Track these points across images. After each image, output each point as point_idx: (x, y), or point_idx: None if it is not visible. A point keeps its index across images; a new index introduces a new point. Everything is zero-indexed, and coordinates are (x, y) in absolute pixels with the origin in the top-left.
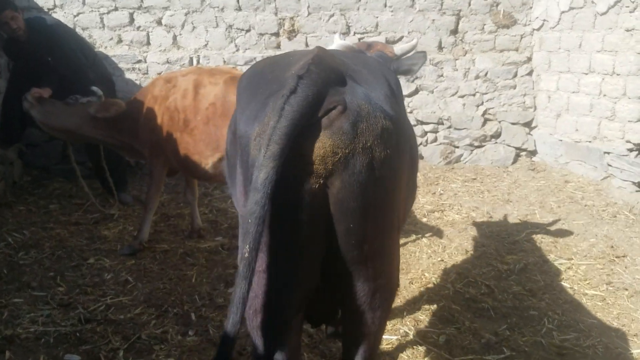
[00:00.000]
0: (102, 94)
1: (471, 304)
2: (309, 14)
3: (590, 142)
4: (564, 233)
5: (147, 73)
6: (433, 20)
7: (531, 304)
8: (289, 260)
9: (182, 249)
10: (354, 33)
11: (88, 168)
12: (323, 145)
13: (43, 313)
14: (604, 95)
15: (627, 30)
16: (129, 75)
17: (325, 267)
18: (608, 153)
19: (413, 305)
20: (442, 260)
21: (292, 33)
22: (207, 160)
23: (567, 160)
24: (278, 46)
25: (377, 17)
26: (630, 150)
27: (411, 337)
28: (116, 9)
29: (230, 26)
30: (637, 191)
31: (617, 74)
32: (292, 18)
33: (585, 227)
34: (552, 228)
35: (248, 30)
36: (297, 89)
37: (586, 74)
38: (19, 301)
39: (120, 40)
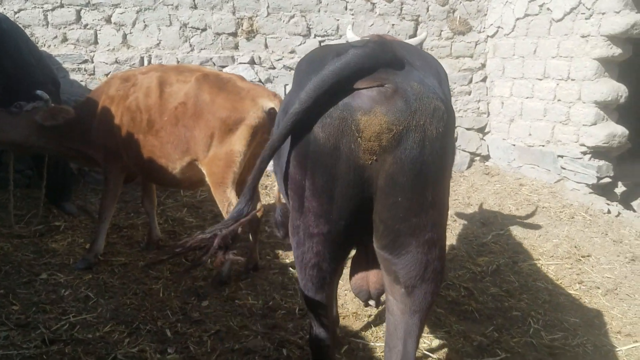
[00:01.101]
0: (49, 99)
1: (454, 307)
2: (269, 14)
3: (543, 146)
4: (527, 234)
5: (93, 74)
6: (393, 24)
7: (512, 304)
8: (337, 224)
9: (142, 261)
10: (314, 35)
11: (27, 177)
12: (379, 122)
13: (0, 335)
14: (559, 100)
15: (583, 37)
16: (74, 76)
17: (369, 238)
18: (562, 156)
19: None
20: None
21: (250, 33)
22: (175, 165)
23: (520, 164)
24: (236, 46)
25: (338, 20)
26: (584, 153)
27: None
28: (62, 5)
29: (185, 25)
30: (590, 193)
31: (572, 79)
32: (250, 18)
33: (546, 228)
34: (515, 230)
35: (204, 30)
36: (344, 55)
37: (540, 79)
38: None
39: (65, 39)
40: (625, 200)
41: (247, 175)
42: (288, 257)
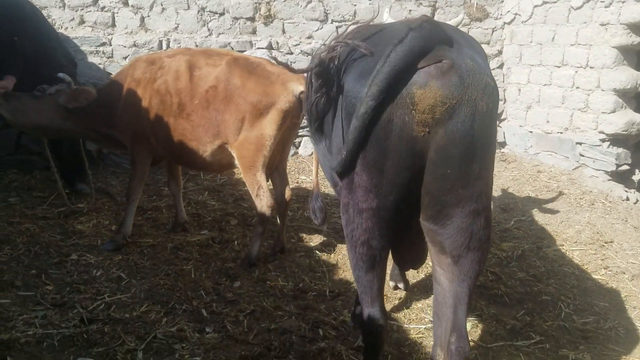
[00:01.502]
0: (71, 81)
1: (484, 291)
2: None
3: (561, 133)
4: (548, 221)
5: (112, 57)
6: (410, 10)
7: (540, 289)
8: (386, 198)
9: (170, 243)
10: (332, 21)
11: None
12: (434, 95)
13: (37, 314)
14: (577, 87)
15: (602, 25)
16: (92, 59)
17: (418, 210)
18: (580, 144)
19: (427, 294)
20: None
21: (268, 18)
22: (206, 147)
23: (537, 151)
24: (254, 31)
25: (355, 6)
26: (603, 140)
27: None
28: None
29: (203, 9)
30: (609, 180)
31: (591, 67)
32: (268, 2)
33: (567, 214)
34: (537, 216)
35: (222, 14)
36: (405, 39)
37: (559, 67)
38: (5, 302)
39: (82, 21)
40: None
41: (276, 158)
42: (312, 240)
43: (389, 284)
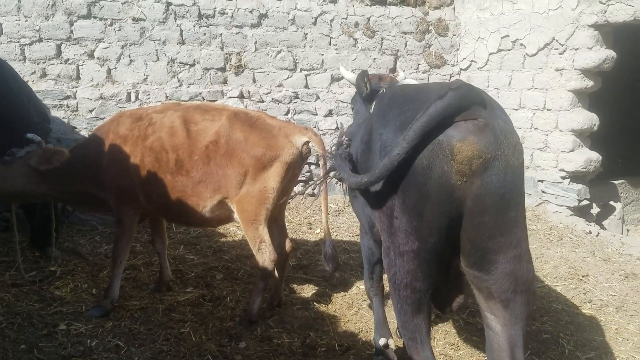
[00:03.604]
0: (42, 141)
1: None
2: (256, 49)
3: None
4: None
5: (76, 110)
6: (374, 59)
7: (538, 327)
8: (427, 240)
9: (160, 304)
10: (301, 69)
11: (5, 220)
12: (472, 148)
13: None
14: (536, 128)
15: (557, 70)
16: (55, 113)
17: (457, 253)
18: (542, 181)
19: (435, 337)
20: None
21: (239, 68)
22: (206, 203)
23: None
24: (225, 81)
25: (323, 55)
26: (564, 177)
27: None
28: (40, 40)
29: (173, 60)
30: (571, 214)
31: (549, 109)
32: (239, 53)
33: (540, 250)
34: None
35: (192, 65)
36: (445, 96)
37: (517, 109)
38: None
39: (44, 74)
40: (599, 221)
41: (275, 211)
42: (304, 291)
43: (380, 341)
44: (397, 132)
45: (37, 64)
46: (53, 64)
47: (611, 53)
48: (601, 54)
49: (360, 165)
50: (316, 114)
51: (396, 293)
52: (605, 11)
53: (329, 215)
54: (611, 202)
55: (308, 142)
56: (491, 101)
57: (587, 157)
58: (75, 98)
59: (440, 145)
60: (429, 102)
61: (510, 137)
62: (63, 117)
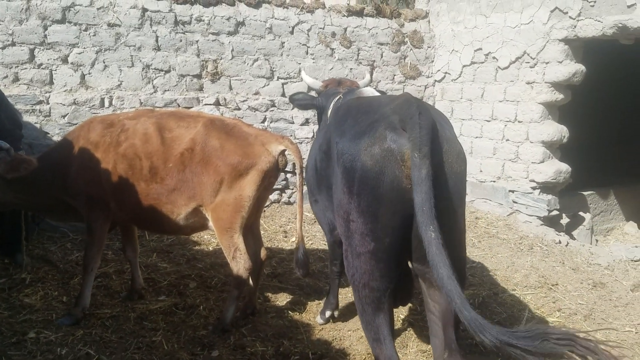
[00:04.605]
0: (10, 148)
1: (459, 342)
2: (233, 57)
3: (494, 181)
4: (496, 266)
5: (49, 115)
6: (351, 69)
7: None
8: (382, 241)
9: (132, 312)
10: (278, 78)
11: None
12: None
13: None
14: (507, 140)
15: (528, 83)
16: (27, 118)
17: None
18: (512, 191)
19: (408, 344)
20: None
21: (215, 75)
22: (180, 210)
23: (472, 198)
24: (200, 88)
25: (300, 64)
26: (534, 188)
27: None
28: (13, 44)
29: (148, 66)
30: (542, 224)
31: (520, 121)
32: (215, 60)
33: (511, 259)
34: (485, 262)
35: (168, 71)
36: (420, 112)
37: (489, 121)
38: None
39: (17, 79)
40: (568, 231)
41: (250, 219)
42: (278, 299)
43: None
44: (352, 141)
45: (10, 68)
46: (26, 68)
47: (581, 67)
48: (571, 68)
49: (319, 173)
50: (293, 122)
51: (356, 293)
52: (575, 26)
53: (304, 223)
54: (580, 213)
55: (284, 150)
56: (435, 112)
57: (557, 169)
58: (48, 103)
59: (392, 153)
60: (379, 113)
61: (455, 146)
62: (35, 123)
